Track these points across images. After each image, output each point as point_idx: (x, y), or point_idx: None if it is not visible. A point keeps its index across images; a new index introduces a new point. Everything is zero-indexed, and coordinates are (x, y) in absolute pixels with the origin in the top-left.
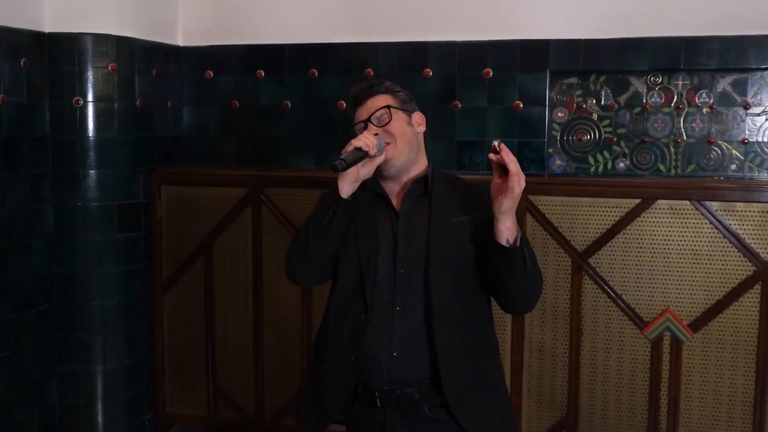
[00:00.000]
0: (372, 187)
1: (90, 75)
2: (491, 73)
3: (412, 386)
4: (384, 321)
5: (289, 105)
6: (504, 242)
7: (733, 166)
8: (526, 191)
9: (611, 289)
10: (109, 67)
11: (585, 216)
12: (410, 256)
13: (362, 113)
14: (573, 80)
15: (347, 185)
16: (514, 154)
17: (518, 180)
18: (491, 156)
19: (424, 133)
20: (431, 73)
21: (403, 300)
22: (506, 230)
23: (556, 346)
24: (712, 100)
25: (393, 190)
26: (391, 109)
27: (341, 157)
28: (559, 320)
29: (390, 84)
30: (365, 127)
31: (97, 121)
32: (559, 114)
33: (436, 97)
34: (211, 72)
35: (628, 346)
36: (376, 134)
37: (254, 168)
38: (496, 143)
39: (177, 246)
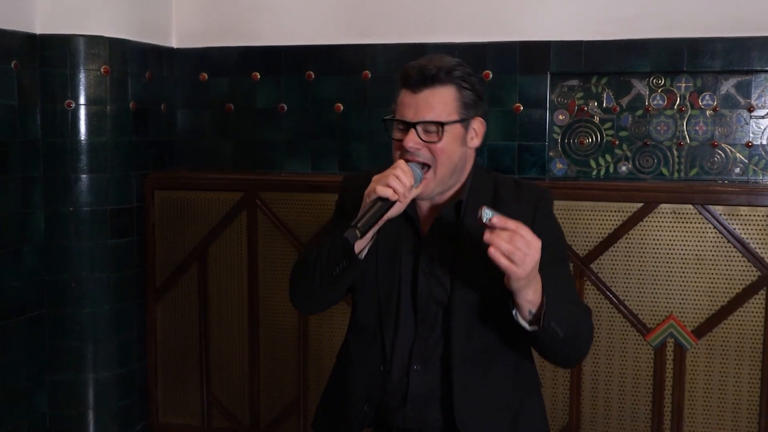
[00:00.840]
0: None
1: (82, 77)
2: (491, 75)
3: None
4: (399, 375)
5: (285, 108)
6: (527, 317)
7: (737, 170)
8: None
9: (613, 294)
10: (102, 70)
11: (586, 220)
12: (432, 297)
13: (410, 107)
14: (574, 82)
15: (364, 241)
16: (514, 156)
17: (516, 258)
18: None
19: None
20: None
21: (422, 354)
22: (526, 303)
23: None
24: (715, 103)
25: (422, 208)
26: (446, 126)
27: (356, 221)
28: None
29: (462, 71)
30: (405, 130)
31: (90, 125)
32: (560, 117)
33: None
34: (205, 74)
35: (631, 353)
36: (410, 159)
37: (250, 172)
38: (484, 217)
39: (170, 252)
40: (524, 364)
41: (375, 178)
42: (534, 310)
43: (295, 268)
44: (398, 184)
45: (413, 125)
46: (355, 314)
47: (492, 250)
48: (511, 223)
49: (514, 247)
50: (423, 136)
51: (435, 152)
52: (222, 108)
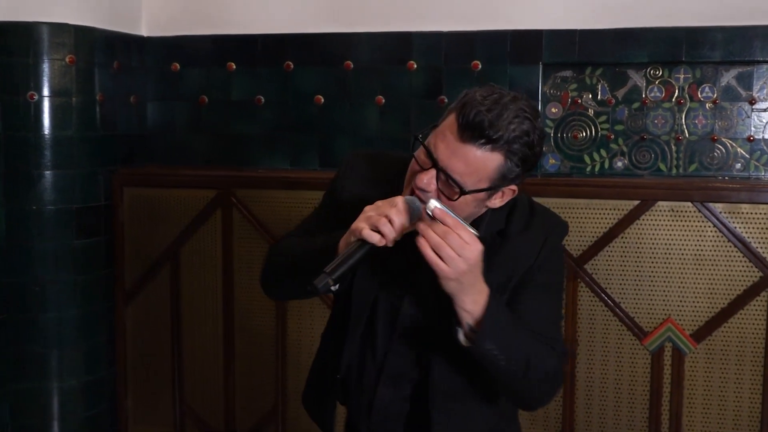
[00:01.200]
0: None
1: (46, 68)
2: (480, 66)
3: None
4: (366, 391)
5: (263, 100)
6: (465, 331)
7: (738, 165)
8: (520, 191)
9: (609, 296)
10: (67, 59)
11: (580, 219)
12: (413, 317)
13: (447, 149)
14: (567, 73)
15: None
16: None
17: (444, 255)
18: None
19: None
20: (416, 66)
21: (393, 374)
22: (464, 313)
23: None
24: (715, 95)
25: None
26: (468, 193)
27: (332, 267)
28: None
29: (524, 144)
30: (429, 165)
31: (54, 118)
32: (553, 109)
33: (422, 92)
34: (177, 64)
35: (627, 358)
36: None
37: (224, 168)
38: (428, 208)
39: (141, 252)
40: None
41: (367, 209)
42: (472, 323)
43: (269, 258)
44: (389, 230)
45: (439, 169)
46: (333, 309)
47: (420, 240)
48: (451, 220)
49: (445, 243)
50: (441, 185)
51: (451, 206)
52: (195, 100)
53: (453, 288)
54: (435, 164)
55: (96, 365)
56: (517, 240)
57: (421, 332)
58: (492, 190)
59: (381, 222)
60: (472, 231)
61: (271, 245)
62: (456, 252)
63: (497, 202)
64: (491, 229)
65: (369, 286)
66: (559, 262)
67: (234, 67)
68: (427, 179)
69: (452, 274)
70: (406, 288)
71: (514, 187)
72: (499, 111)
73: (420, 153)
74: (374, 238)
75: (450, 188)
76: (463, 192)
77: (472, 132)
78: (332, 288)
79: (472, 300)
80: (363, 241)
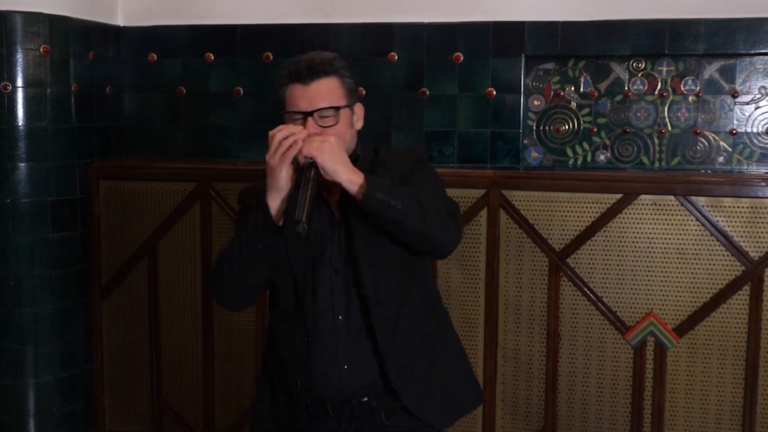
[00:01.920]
0: None
1: (20, 57)
2: (462, 58)
3: (368, 395)
4: (328, 335)
5: (242, 92)
6: (358, 198)
7: (721, 159)
8: (500, 186)
9: (591, 291)
10: (41, 49)
11: (563, 212)
12: (342, 256)
13: (303, 98)
14: (550, 66)
15: (280, 203)
16: (487, 144)
17: (314, 147)
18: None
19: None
20: (397, 58)
21: (344, 307)
22: (348, 183)
23: (532, 353)
24: (698, 88)
25: (330, 190)
26: (340, 110)
27: (298, 215)
28: (535, 325)
29: (341, 63)
30: (303, 120)
31: (28, 109)
32: (535, 102)
33: (403, 84)
34: (154, 55)
35: (609, 352)
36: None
37: (203, 161)
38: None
39: (117, 246)
40: (431, 301)
41: (274, 140)
42: (356, 189)
43: (215, 265)
44: (285, 133)
45: (310, 114)
46: (277, 299)
47: (305, 148)
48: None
49: (313, 141)
50: (320, 123)
51: (331, 134)
52: (173, 91)
53: (332, 166)
54: (306, 113)
55: (72, 361)
56: (386, 163)
57: (348, 271)
58: (350, 106)
59: (277, 137)
60: None
61: (212, 268)
62: (320, 138)
63: (360, 123)
64: (367, 152)
65: (303, 252)
66: (429, 166)
67: (212, 57)
68: (311, 127)
69: (328, 151)
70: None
71: (360, 104)
72: (310, 55)
73: (288, 123)
74: (287, 143)
75: (327, 119)
76: (337, 109)
77: (307, 73)
78: (305, 227)
79: (351, 171)
80: (309, 167)
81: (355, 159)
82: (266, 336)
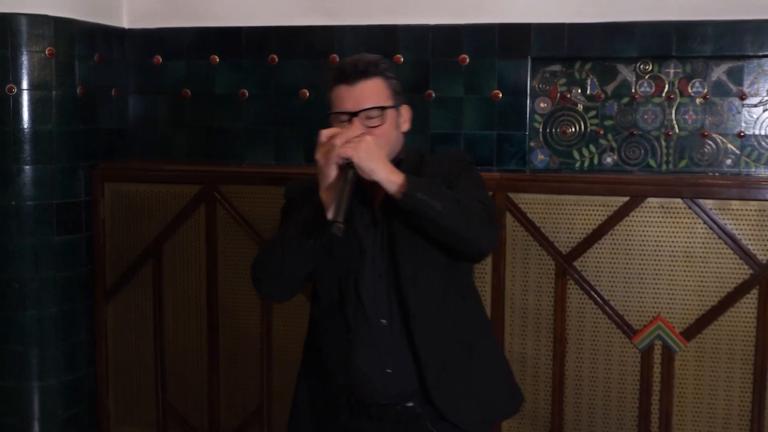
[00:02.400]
0: None
1: (25, 60)
2: (468, 60)
3: (413, 400)
4: (372, 336)
5: (247, 94)
6: (398, 196)
7: (729, 161)
8: (507, 188)
9: (598, 294)
10: (47, 52)
11: (569, 215)
12: (384, 260)
13: (348, 99)
14: (556, 68)
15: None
16: (493, 147)
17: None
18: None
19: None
20: (402, 60)
21: (386, 312)
22: (389, 183)
23: (538, 357)
24: (705, 90)
25: (374, 191)
26: (386, 110)
27: (335, 215)
28: (542, 329)
29: (386, 65)
30: (350, 122)
31: (33, 111)
32: (542, 104)
33: (408, 86)
34: (159, 57)
35: (616, 356)
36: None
37: (208, 163)
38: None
39: (122, 249)
40: (474, 307)
41: (322, 143)
42: (396, 188)
43: (260, 256)
44: (330, 133)
45: (356, 114)
46: (318, 294)
47: (341, 149)
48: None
49: (352, 143)
50: (366, 123)
51: (377, 135)
52: (177, 94)
53: (369, 165)
54: (352, 114)
55: (76, 364)
56: (433, 167)
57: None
58: (396, 107)
59: (329, 143)
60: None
61: (256, 256)
62: (356, 139)
63: (406, 125)
64: (412, 156)
65: (347, 252)
66: (475, 171)
67: (217, 59)
68: (357, 128)
69: (364, 150)
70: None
71: (407, 106)
72: (356, 57)
73: (336, 125)
74: (347, 152)
75: (373, 120)
76: (382, 109)
77: (353, 74)
78: (343, 228)
79: (390, 170)
80: (346, 167)
81: (398, 162)
82: (306, 335)
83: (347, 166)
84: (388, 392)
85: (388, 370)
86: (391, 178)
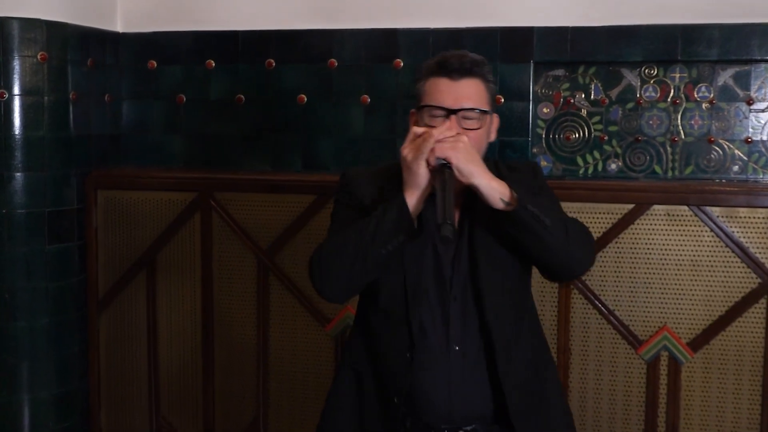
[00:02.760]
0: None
1: (16, 65)
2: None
3: (475, 423)
4: (438, 360)
5: (243, 99)
6: (500, 205)
7: (736, 168)
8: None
9: (602, 304)
10: (39, 56)
11: None
12: (461, 280)
13: (449, 95)
14: (559, 72)
15: (417, 201)
16: (495, 153)
17: (447, 148)
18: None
19: None
20: (402, 64)
21: (460, 336)
22: (491, 190)
23: None
24: (712, 95)
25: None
26: (482, 114)
27: (442, 217)
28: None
29: (489, 68)
30: (444, 118)
31: (25, 117)
32: (545, 110)
33: (408, 91)
34: (154, 62)
35: (622, 368)
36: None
37: (203, 170)
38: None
39: (115, 259)
40: (538, 326)
41: (404, 152)
42: (506, 199)
43: (325, 253)
44: (424, 129)
45: (455, 112)
46: (378, 296)
47: (437, 148)
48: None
49: (445, 141)
50: (463, 124)
51: (472, 139)
52: (172, 99)
53: (468, 167)
54: (450, 111)
55: (68, 376)
56: (509, 170)
57: (467, 290)
58: (492, 112)
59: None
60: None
61: (315, 251)
62: (452, 139)
63: (493, 136)
64: (488, 165)
65: (417, 259)
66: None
67: (213, 64)
68: (453, 127)
69: (462, 151)
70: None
71: (497, 116)
72: (461, 52)
73: (428, 118)
74: (448, 152)
75: (470, 122)
76: (484, 113)
77: (458, 68)
78: (454, 229)
79: (491, 176)
80: (442, 168)
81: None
82: (351, 330)
83: (442, 167)
84: (454, 416)
85: (456, 395)
86: (493, 185)
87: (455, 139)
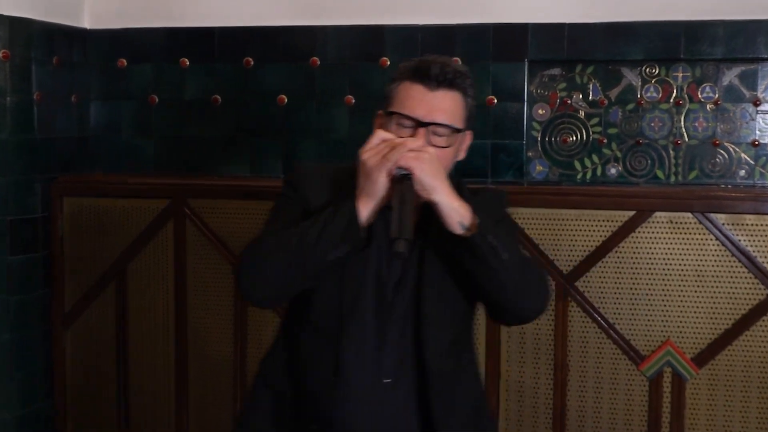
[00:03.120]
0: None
1: None
2: (459, 63)
3: None
4: (366, 390)
5: (220, 100)
6: (458, 230)
7: (742, 172)
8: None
9: (602, 317)
10: (0, 54)
11: (570, 231)
12: (402, 306)
13: (422, 105)
14: (555, 71)
15: (371, 212)
16: (487, 157)
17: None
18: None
19: None
20: (389, 63)
21: (392, 367)
22: (451, 210)
23: (537, 386)
24: (717, 95)
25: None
26: (456, 134)
27: (398, 232)
28: (541, 355)
29: (471, 81)
30: (412, 130)
31: None
32: (540, 111)
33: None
34: (124, 60)
35: (623, 385)
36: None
37: (177, 176)
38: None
39: (83, 270)
40: (472, 343)
41: (364, 157)
42: (466, 223)
43: (255, 254)
44: (390, 135)
45: (425, 125)
46: (309, 306)
47: (401, 158)
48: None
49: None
50: (431, 140)
51: (440, 157)
52: (144, 100)
53: (431, 182)
54: (419, 122)
55: (32, 396)
56: (473, 197)
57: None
58: (466, 130)
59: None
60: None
61: (248, 247)
62: (417, 148)
63: (462, 155)
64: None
65: (352, 281)
66: (509, 214)
67: (188, 63)
68: (420, 138)
69: (428, 163)
70: (387, 274)
71: (471, 134)
72: (443, 59)
73: (395, 127)
74: (415, 165)
75: (440, 139)
76: (456, 131)
77: (438, 77)
78: (408, 245)
79: (457, 200)
80: (402, 179)
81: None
82: (273, 344)
83: (402, 178)
84: None
85: (381, 429)
86: (455, 206)
87: (421, 150)
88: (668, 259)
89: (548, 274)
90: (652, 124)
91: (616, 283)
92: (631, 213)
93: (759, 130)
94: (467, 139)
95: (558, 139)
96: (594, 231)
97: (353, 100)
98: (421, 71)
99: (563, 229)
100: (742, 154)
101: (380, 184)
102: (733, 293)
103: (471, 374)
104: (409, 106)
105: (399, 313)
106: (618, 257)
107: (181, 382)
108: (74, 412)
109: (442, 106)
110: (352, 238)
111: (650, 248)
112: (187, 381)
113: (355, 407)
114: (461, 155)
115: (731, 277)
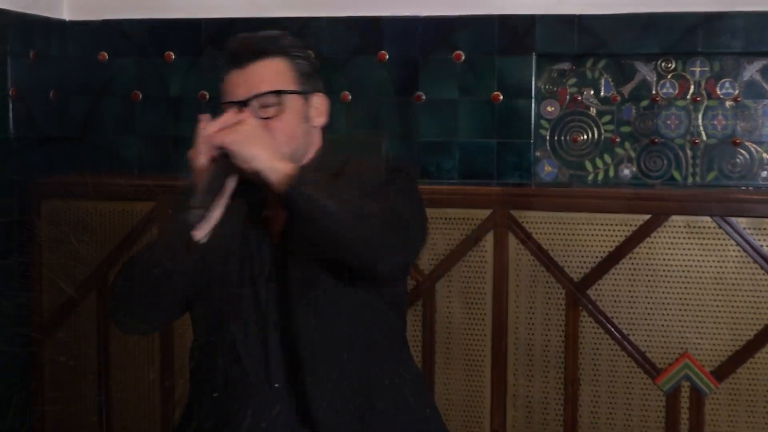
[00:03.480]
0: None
1: None
2: (463, 57)
3: None
4: (261, 400)
5: (207, 96)
6: (278, 189)
7: (764, 173)
8: (509, 205)
9: (615, 328)
10: None
11: (582, 236)
12: (274, 304)
13: (240, 86)
14: (565, 66)
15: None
16: (492, 157)
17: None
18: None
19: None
20: (387, 57)
21: (277, 365)
22: (271, 172)
23: (547, 401)
24: (736, 91)
25: (273, 207)
26: (285, 97)
27: (200, 202)
28: (551, 368)
29: (290, 42)
30: (240, 112)
31: None
32: (549, 108)
33: (394, 87)
34: (105, 54)
35: (638, 400)
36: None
37: (162, 176)
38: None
39: (62, 277)
40: (396, 353)
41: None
42: (278, 178)
43: (120, 275)
44: (205, 125)
45: (245, 103)
46: (196, 330)
47: (215, 137)
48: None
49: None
50: (261, 114)
51: (274, 131)
52: (127, 96)
53: (247, 151)
54: (242, 103)
55: (4, 413)
56: (358, 165)
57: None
58: (304, 94)
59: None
60: None
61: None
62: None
63: (321, 119)
64: (332, 157)
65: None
66: (408, 179)
67: (173, 57)
68: (230, 115)
69: (242, 133)
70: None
71: (323, 95)
72: (246, 35)
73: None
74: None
75: (269, 110)
76: (279, 93)
77: (243, 53)
78: (203, 214)
79: (275, 159)
80: (219, 157)
81: (312, 165)
82: (191, 348)
83: (222, 157)
84: None
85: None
86: (277, 167)
87: (236, 122)
88: (686, 265)
89: (424, 229)
90: (668, 122)
91: (630, 291)
92: (646, 217)
93: None
94: (318, 101)
95: (568, 138)
96: (606, 236)
97: (350, 97)
98: (226, 56)
99: (574, 234)
100: (764, 154)
101: (202, 171)
102: (755, 302)
103: (374, 362)
104: (229, 92)
105: (276, 317)
106: (632, 264)
107: (167, 398)
108: (53, 422)
109: (258, 78)
110: (186, 236)
111: (666, 254)
112: (173, 397)
113: (252, 422)
114: (319, 121)
115: (753, 284)
